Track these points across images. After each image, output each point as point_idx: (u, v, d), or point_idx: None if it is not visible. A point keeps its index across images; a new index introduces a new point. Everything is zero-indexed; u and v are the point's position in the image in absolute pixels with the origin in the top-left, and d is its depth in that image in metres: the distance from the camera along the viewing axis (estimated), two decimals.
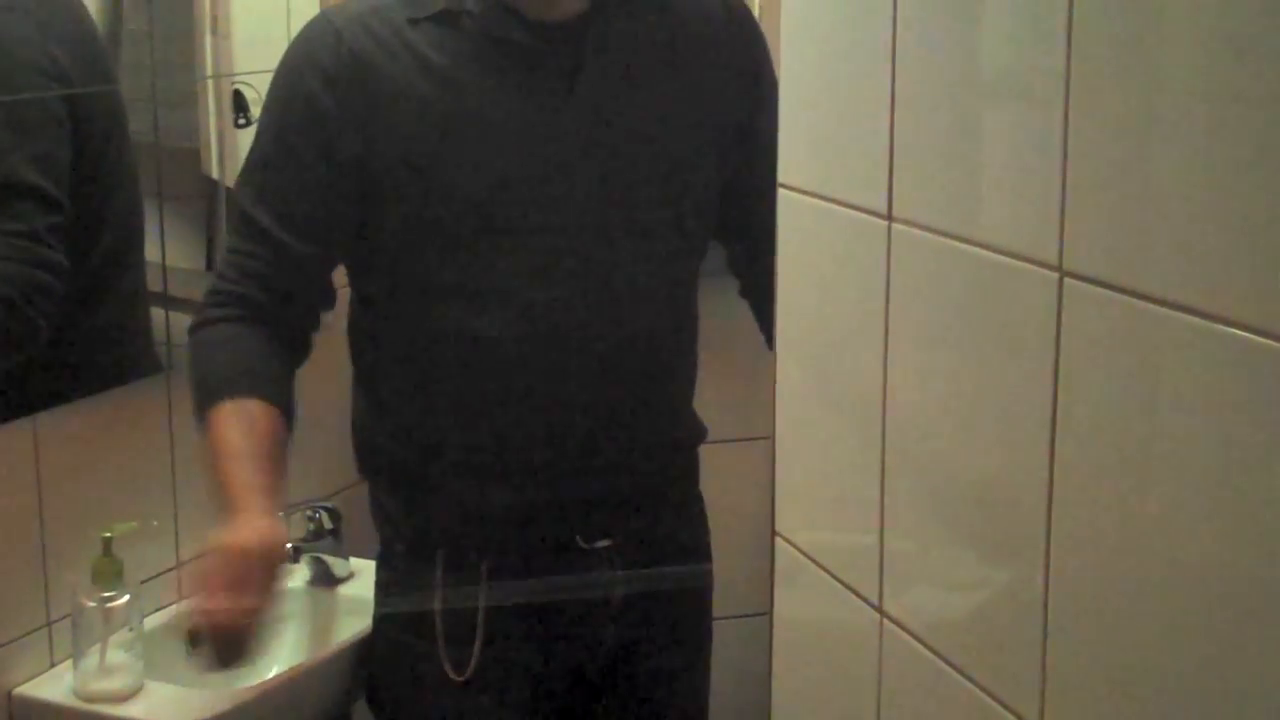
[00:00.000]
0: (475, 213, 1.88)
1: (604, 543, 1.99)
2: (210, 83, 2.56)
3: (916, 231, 1.14)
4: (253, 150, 1.96)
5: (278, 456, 1.86)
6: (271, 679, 2.30)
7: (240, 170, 2.02)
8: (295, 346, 1.96)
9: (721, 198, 2.03)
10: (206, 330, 1.94)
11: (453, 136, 1.87)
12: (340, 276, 2.02)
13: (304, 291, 1.95)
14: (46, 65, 2.18)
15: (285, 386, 1.92)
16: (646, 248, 1.94)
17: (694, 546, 2.13)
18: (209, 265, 2.60)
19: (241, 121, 2.55)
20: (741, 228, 2.06)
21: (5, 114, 2.13)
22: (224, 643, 1.76)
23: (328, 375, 2.21)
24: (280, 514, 1.84)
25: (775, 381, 1.38)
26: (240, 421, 1.84)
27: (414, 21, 1.89)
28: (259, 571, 1.76)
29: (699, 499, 2.15)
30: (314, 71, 1.88)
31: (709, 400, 2.15)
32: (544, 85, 1.89)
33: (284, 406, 1.90)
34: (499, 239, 1.89)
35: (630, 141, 1.92)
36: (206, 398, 1.88)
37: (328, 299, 1.99)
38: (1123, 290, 0.91)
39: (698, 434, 2.12)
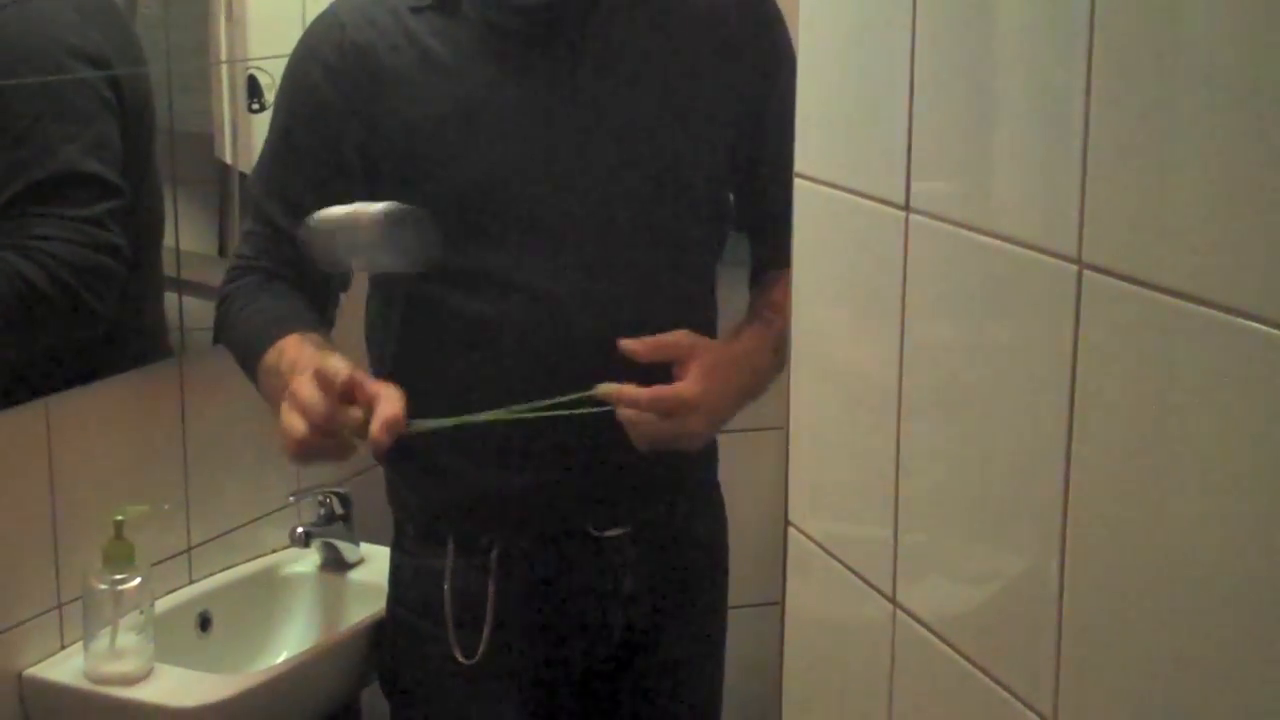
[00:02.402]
0: (478, 199, 1.88)
1: (616, 531, 2.00)
2: (224, 67, 2.56)
3: (934, 223, 1.13)
4: (266, 140, 2.02)
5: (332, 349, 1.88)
6: (281, 664, 2.31)
7: (256, 158, 2.06)
8: (316, 307, 2.00)
9: (738, 182, 2.02)
10: (237, 294, 1.99)
11: (454, 124, 1.88)
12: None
13: (315, 274, 1.98)
14: (91, 50, 2.20)
15: (320, 324, 1.96)
16: (657, 232, 1.94)
17: (709, 536, 2.12)
18: (221, 251, 2.61)
19: (255, 106, 2.55)
20: (756, 213, 2.05)
21: (57, 101, 2.14)
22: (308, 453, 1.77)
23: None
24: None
25: (790, 371, 1.38)
26: (297, 345, 1.88)
27: (416, 10, 1.91)
28: (319, 392, 1.73)
29: (716, 488, 2.14)
30: (317, 64, 1.92)
31: None
32: (546, 71, 1.89)
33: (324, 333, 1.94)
34: (502, 226, 1.89)
35: (635, 127, 1.92)
36: (250, 351, 1.93)
37: (343, 281, 2.02)
38: (1142, 283, 0.91)
39: None
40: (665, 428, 1.82)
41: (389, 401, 1.72)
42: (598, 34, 1.90)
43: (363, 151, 1.90)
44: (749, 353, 1.93)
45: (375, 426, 1.70)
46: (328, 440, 1.74)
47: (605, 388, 1.79)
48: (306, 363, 1.80)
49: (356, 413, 1.72)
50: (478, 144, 1.88)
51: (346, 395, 1.72)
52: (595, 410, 1.79)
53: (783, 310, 1.94)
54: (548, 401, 1.80)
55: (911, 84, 1.16)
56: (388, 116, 1.89)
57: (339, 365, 1.73)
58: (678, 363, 1.84)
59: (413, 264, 1.84)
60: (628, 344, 1.83)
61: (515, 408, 1.81)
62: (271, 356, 1.89)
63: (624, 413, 1.80)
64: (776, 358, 1.92)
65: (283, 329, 1.91)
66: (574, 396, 1.79)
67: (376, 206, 1.81)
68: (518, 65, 1.90)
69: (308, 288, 1.99)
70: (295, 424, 1.74)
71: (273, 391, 1.87)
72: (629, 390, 1.80)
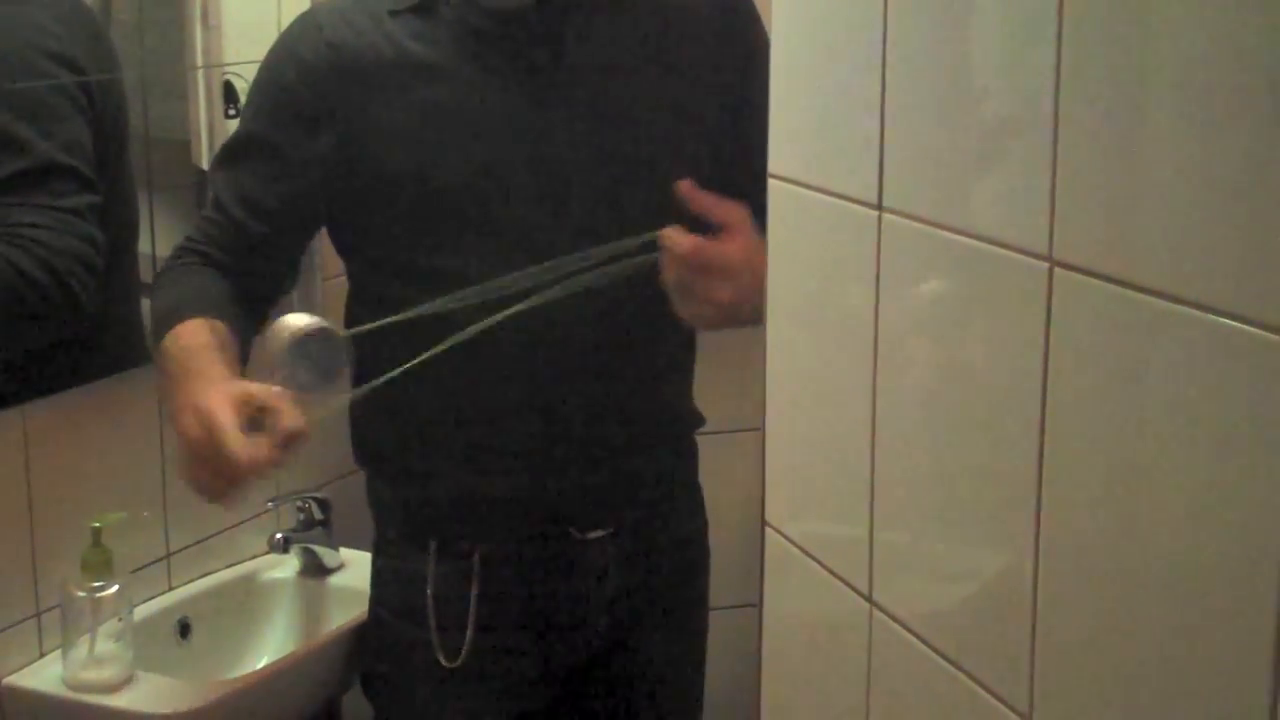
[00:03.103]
0: (457, 201, 1.88)
1: (598, 532, 2.00)
2: (200, 73, 2.56)
3: (906, 221, 1.14)
4: (233, 133, 2.02)
5: (229, 347, 1.83)
6: (261, 669, 2.31)
7: (218, 149, 2.07)
8: (252, 305, 1.97)
9: (716, 182, 2.02)
10: (168, 273, 1.98)
11: (433, 126, 1.88)
12: (335, 266, 2.03)
13: (262, 269, 1.98)
14: (68, 55, 2.20)
15: (243, 321, 1.91)
16: (637, 232, 1.93)
17: (690, 536, 2.13)
18: None
19: (232, 112, 2.55)
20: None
21: (34, 102, 2.14)
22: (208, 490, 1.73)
23: None
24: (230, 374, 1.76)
25: (766, 371, 1.38)
26: (194, 331, 1.83)
27: (394, 13, 1.91)
28: (212, 425, 1.66)
29: (697, 489, 2.15)
30: (293, 63, 1.92)
31: (703, 390, 2.15)
32: (524, 73, 1.89)
33: (238, 332, 1.88)
34: (482, 226, 1.89)
35: (615, 127, 1.92)
36: (162, 323, 1.88)
37: (286, 282, 2.03)
38: (1112, 280, 0.91)
39: (693, 422, 2.12)
40: (701, 282, 1.78)
41: (287, 415, 1.67)
42: (576, 36, 1.90)
43: (338, 153, 1.90)
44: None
45: (276, 442, 1.66)
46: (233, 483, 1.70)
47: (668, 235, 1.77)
48: (193, 365, 1.75)
49: (257, 448, 1.66)
50: (456, 146, 1.88)
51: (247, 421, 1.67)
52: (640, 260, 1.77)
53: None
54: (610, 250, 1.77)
55: (883, 83, 1.16)
56: (365, 118, 1.89)
57: (217, 402, 1.66)
58: (726, 228, 1.81)
59: (325, 383, 1.78)
60: (687, 186, 1.81)
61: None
62: (169, 338, 1.85)
63: (672, 245, 1.77)
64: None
65: (193, 310, 1.86)
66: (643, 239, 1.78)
67: (292, 325, 1.75)
68: (496, 67, 1.90)
69: (253, 283, 1.97)
70: (199, 474, 1.70)
71: (164, 375, 1.83)
72: (687, 238, 1.77)
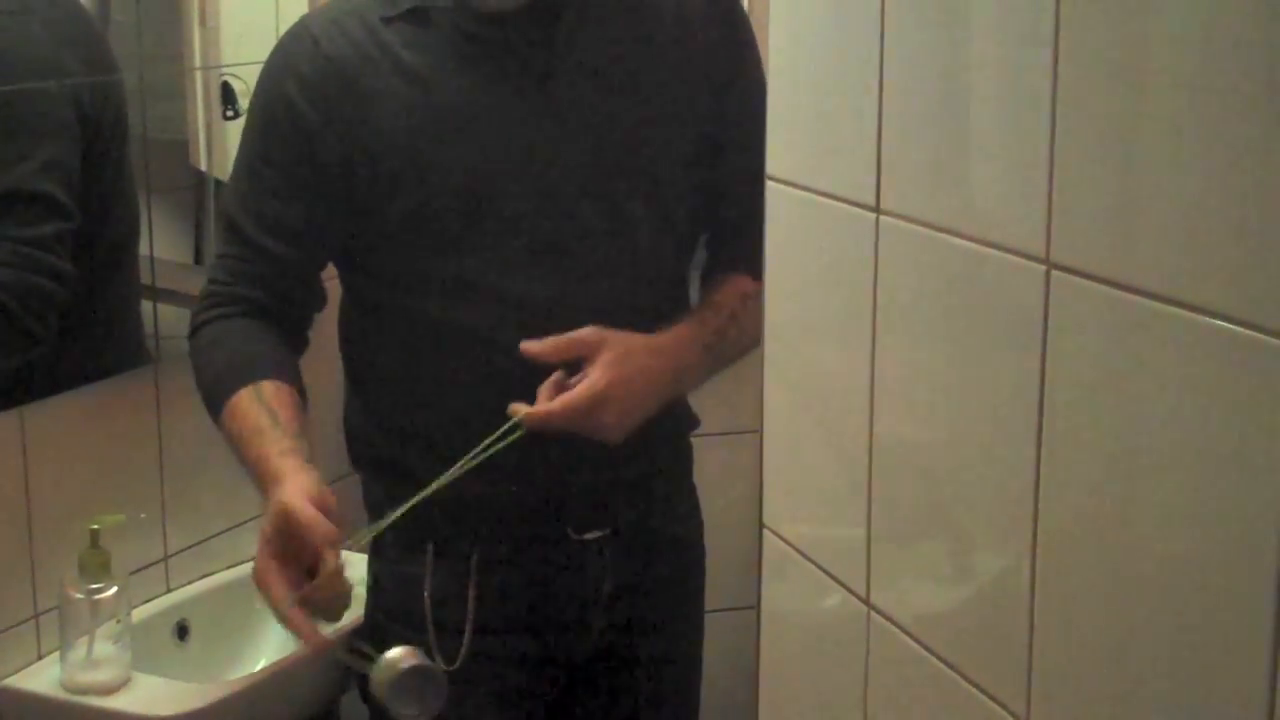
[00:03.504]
0: (455, 208, 1.88)
1: (594, 534, 2.00)
2: (198, 74, 2.56)
3: (905, 224, 1.14)
4: (238, 158, 1.99)
5: (302, 422, 1.88)
6: (259, 671, 2.31)
7: (229, 176, 2.04)
8: (293, 339, 1.99)
9: (706, 185, 2.02)
10: (205, 330, 1.97)
11: (428, 133, 1.88)
12: (329, 272, 2.02)
13: (293, 293, 1.98)
14: (54, 69, 2.18)
15: (294, 368, 1.95)
16: (629, 237, 1.94)
17: (686, 538, 2.13)
18: (197, 258, 2.60)
19: (230, 113, 2.55)
20: (713, 216, 2.05)
21: (16, 121, 2.13)
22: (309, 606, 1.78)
23: (317, 369, 2.20)
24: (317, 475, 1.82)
25: (763, 374, 1.38)
26: (257, 401, 1.87)
27: (387, 20, 1.90)
28: (306, 535, 1.74)
29: (692, 490, 2.15)
30: (292, 79, 1.91)
31: (699, 393, 2.15)
32: (517, 78, 1.89)
33: (297, 386, 1.93)
34: (478, 233, 1.89)
35: (607, 131, 1.92)
36: (219, 393, 1.91)
37: (318, 300, 2.02)
38: (1109, 283, 0.92)
39: (689, 423, 2.12)
40: (583, 426, 1.84)
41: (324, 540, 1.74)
42: (569, 40, 1.90)
43: (340, 164, 1.90)
44: (670, 345, 1.93)
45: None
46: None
47: (517, 411, 1.82)
48: (268, 470, 1.80)
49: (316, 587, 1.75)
50: (452, 153, 1.88)
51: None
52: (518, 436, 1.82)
53: (722, 310, 1.96)
54: (479, 449, 1.83)
55: (881, 86, 1.16)
56: (363, 128, 1.89)
57: (265, 566, 1.75)
58: (585, 359, 1.85)
59: (424, 712, 1.82)
60: (529, 346, 1.85)
61: (449, 472, 1.84)
62: (226, 416, 1.89)
63: (545, 428, 1.82)
64: (709, 356, 1.95)
65: (240, 379, 1.89)
66: (499, 432, 1.82)
67: (397, 664, 1.80)
68: (490, 73, 1.90)
69: (283, 309, 1.97)
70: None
71: (238, 453, 1.88)
72: (538, 411, 1.82)
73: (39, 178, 2.13)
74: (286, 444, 1.82)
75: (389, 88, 1.88)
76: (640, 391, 1.88)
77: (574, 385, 1.85)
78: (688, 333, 1.95)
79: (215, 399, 1.92)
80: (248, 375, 1.90)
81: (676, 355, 1.92)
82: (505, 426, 1.82)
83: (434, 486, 1.83)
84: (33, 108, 2.15)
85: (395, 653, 1.79)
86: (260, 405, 1.86)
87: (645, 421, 2.01)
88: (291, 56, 1.93)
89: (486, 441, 1.82)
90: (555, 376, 1.85)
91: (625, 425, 1.89)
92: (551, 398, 1.84)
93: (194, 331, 1.99)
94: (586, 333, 1.86)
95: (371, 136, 1.89)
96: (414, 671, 1.78)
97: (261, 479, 1.82)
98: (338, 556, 1.74)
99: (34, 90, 2.16)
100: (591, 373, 1.84)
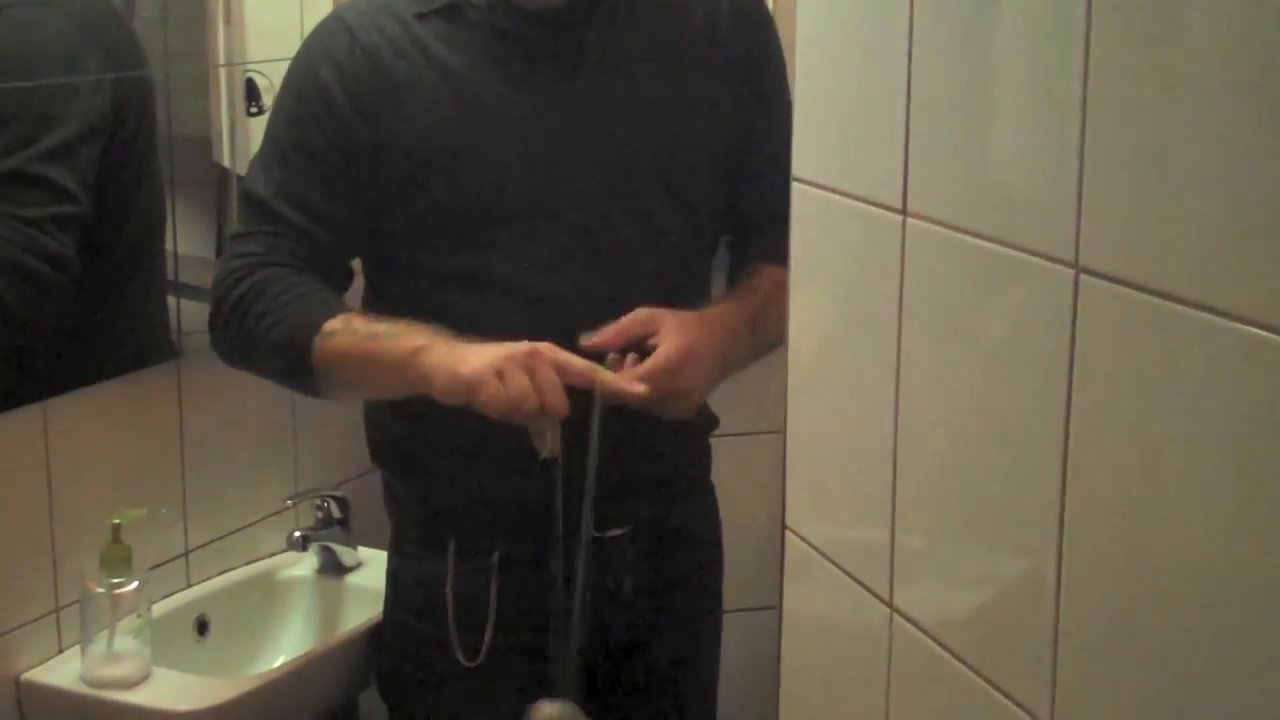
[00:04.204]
0: (482, 203, 1.89)
1: (615, 531, 2.00)
2: (222, 71, 2.56)
3: (932, 226, 1.14)
4: (265, 144, 1.98)
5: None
6: (279, 668, 2.31)
7: (251, 162, 2.03)
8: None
9: (729, 185, 2.03)
10: (247, 292, 1.91)
11: (459, 129, 1.88)
12: (354, 263, 2.03)
13: (334, 276, 1.97)
14: (79, 60, 2.18)
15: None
16: (655, 236, 1.94)
17: (705, 537, 2.13)
18: (219, 253, 2.60)
19: (253, 110, 2.55)
20: (742, 215, 2.06)
21: (30, 109, 2.13)
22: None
23: None
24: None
25: (787, 375, 1.38)
26: (351, 320, 1.86)
27: (421, 16, 1.91)
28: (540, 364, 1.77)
29: (711, 490, 2.15)
30: (329, 65, 1.91)
31: (721, 394, 2.14)
32: (548, 75, 1.90)
33: None
34: (506, 229, 1.90)
35: (636, 131, 1.93)
36: (301, 333, 1.87)
37: (343, 284, 2.01)
38: (1138, 287, 0.91)
39: (709, 423, 2.12)
40: (669, 390, 1.83)
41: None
42: (601, 39, 1.91)
43: (370, 156, 1.90)
44: (718, 319, 1.93)
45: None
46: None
47: (603, 380, 1.80)
48: (436, 342, 1.81)
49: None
50: (482, 148, 1.89)
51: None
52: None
53: (758, 293, 1.95)
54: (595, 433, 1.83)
55: (909, 88, 1.16)
56: (396, 121, 1.89)
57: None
58: (649, 336, 1.85)
59: None
60: (588, 340, 1.85)
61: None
62: (338, 323, 1.86)
63: (627, 394, 1.81)
64: (750, 334, 1.93)
65: (337, 306, 1.89)
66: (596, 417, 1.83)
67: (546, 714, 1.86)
68: (522, 70, 1.90)
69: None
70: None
71: (382, 355, 1.84)
72: (624, 379, 1.81)
73: (42, 162, 2.12)
74: (417, 333, 1.83)
75: (422, 81, 1.89)
76: (709, 356, 1.88)
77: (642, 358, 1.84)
78: (731, 309, 1.95)
79: (297, 339, 1.87)
80: (327, 309, 1.88)
81: (724, 329, 1.92)
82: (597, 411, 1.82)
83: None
84: (49, 96, 2.16)
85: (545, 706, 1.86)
86: (356, 321, 1.86)
87: (664, 420, 2.01)
88: (328, 45, 1.93)
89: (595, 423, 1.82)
90: (612, 359, 1.84)
91: (704, 391, 1.90)
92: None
93: (223, 300, 1.92)
94: (641, 313, 1.86)
95: (404, 129, 1.89)
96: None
97: (422, 366, 1.80)
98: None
99: (48, 75, 2.16)
100: (664, 341, 1.84)
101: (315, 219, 1.91)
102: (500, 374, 1.75)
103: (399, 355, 1.81)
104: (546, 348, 1.77)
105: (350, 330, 1.85)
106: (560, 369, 1.76)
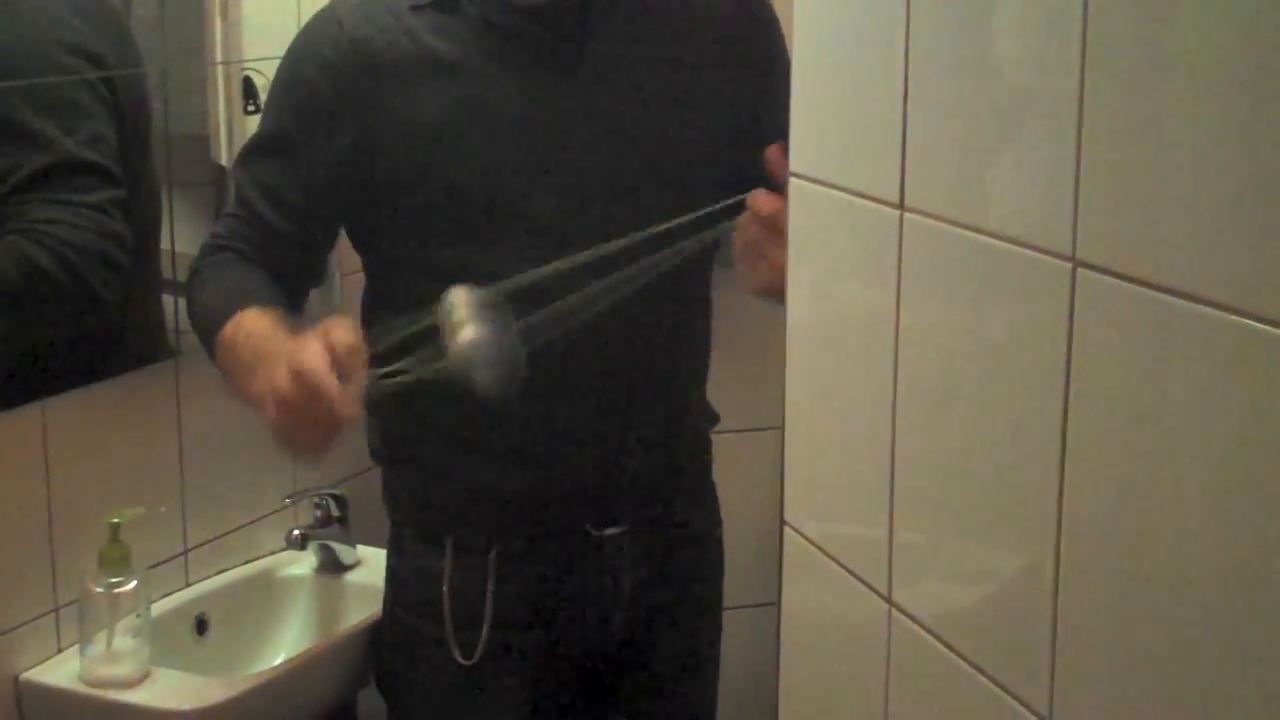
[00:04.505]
0: (478, 198, 1.89)
1: (614, 529, 2.00)
2: (220, 69, 2.56)
3: (929, 221, 1.13)
4: (255, 131, 2.02)
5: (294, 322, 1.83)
6: (278, 666, 2.31)
7: (240, 149, 2.06)
8: (288, 295, 1.96)
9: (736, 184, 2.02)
10: (204, 269, 1.96)
11: (454, 122, 1.88)
12: (353, 262, 2.03)
13: (285, 263, 1.97)
14: (89, 48, 2.20)
15: (289, 309, 1.89)
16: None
17: (705, 534, 2.13)
18: None
19: (251, 108, 2.55)
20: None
21: (56, 97, 2.15)
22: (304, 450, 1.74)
23: None
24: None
25: (785, 371, 1.38)
26: (255, 319, 1.83)
27: (416, 8, 1.90)
28: (314, 383, 1.66)
29: (711, 486, 2.15)
30: (314, 59, 1.91)
31: (719, 390, 2.15)
32: (545, 71, 1.90)
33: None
34: (502, 224, 1.89)
35: (635, 126, 1.92)
36: (214, 316, 1.88)
37: (314, 278, 2.03)
38: (1136, 280, 0.91)
39: (709, 420, 2.12)
40: (773, 244, 1.71)
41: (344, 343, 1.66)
42: (597, 33, 1.90)
43: (359, 149, 1.90)
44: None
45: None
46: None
47: (759, 200, 1.73)
48: (268, 345, 1.75)
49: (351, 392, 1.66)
50: (477, 143, 1.88)
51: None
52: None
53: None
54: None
55: (906, 82, 1.16)
56: (386, 114, 1.89)
57: (310, 355, 1.65)
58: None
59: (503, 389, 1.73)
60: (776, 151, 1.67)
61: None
62: (229, 329, 1.85)
63: (760, 205, 1.73)
64: None
65: (244, 302, 1.86)
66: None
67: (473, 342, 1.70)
68: (517, 64, 1.90)
69: (282, 277, 1.96)
70: (300, 434, 1.71)
71: (231, 366, 1.84)
72: (770, 197, 1.72)
73: (89, 149, 2.17)
74: (273, 323, 1.79)
75: (414, 74, 1.89)
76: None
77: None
78: None
79: (208, 324, 1.89)
80: (244, 301, 1.86)
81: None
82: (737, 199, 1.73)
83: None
84: (72, 85, 2.17)
85: (468, 331, 1.68)
86: (250, 319, 1.83)
87: (664, 417, 2.02)
88: (315, 38, 1.93)
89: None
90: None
91: (782, 278, 1.78)
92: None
93: (191, 275, 1.99)
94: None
95: (394, 122, 1.89)
96: (490, 343, 1.68)
97: (267, 355, 1.75)
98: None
99: (67, 65, 2.18)
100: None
101: (280, 208, 1.93)
102: (275, 406, 1.69)
103: (227, 365, 1.83)
104: (309, 371, 1.65)
105: (235, 325, 1.84)
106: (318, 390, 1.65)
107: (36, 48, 2.16)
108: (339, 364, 1.66)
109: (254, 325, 1.82)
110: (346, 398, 1.65)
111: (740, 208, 1.77)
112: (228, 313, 1.87)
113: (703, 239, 1.77)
